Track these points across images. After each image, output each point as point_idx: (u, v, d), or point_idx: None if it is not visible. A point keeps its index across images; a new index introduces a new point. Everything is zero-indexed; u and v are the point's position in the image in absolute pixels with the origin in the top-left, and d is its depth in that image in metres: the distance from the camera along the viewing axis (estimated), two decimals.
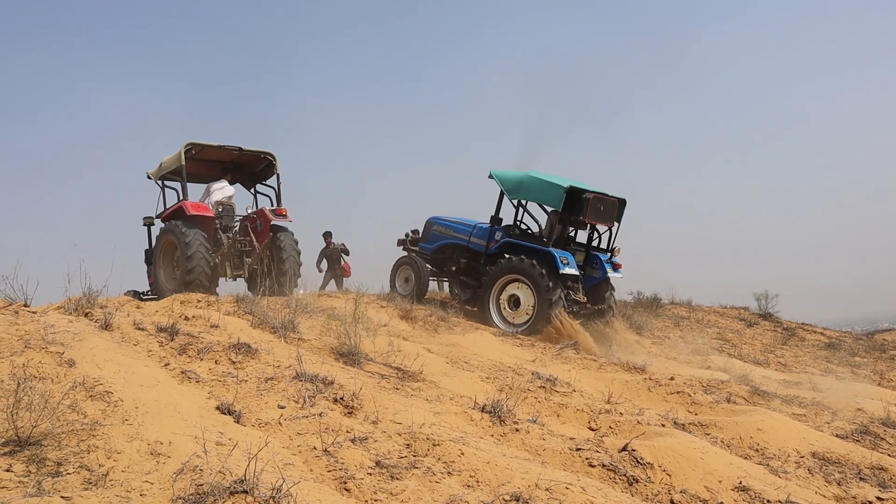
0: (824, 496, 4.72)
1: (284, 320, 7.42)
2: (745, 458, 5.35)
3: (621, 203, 11.91)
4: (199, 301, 8.69)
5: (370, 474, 4.02)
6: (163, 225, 10.86)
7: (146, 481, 3.63)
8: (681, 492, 4.33)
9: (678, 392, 7.19)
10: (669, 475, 4.53)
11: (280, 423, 4.64)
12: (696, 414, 6.70)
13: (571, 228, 12.31)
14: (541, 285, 10.77)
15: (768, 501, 4.24)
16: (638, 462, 4.62)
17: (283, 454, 4.18)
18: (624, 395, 7.01)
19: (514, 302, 11.29)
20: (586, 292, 11.87)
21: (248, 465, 3.43)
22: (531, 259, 11.02)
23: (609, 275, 11.76)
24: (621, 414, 6.24)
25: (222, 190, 11.52)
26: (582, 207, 11.27)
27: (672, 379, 7.60)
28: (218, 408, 4.81)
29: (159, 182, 11.47)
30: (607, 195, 11.63)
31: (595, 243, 12.29)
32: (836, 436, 6.26)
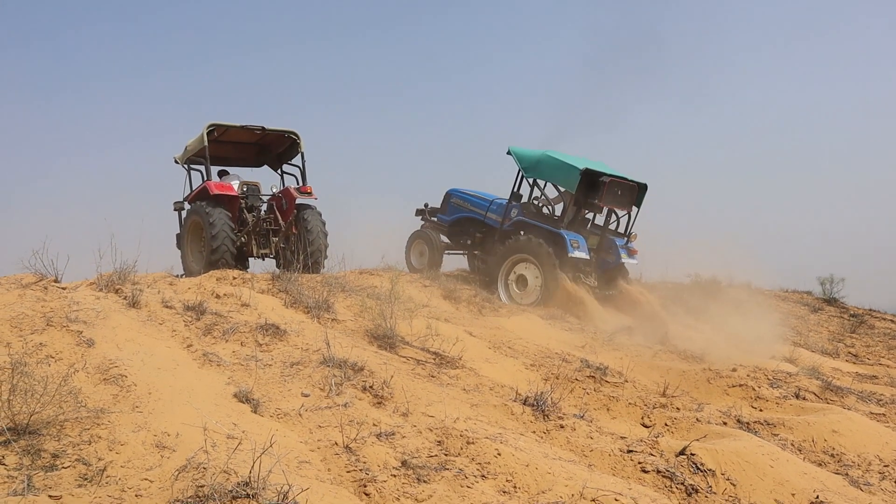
0: None
1: (319, 300, 7.06)
2: (820, 465, 4.76)
3: (641, 188, 11.51)
4: (234, 278, 8.41)
5: (394, 476, 3.60)
6: (189, 207, 10.84)
7: (145, 479, 3.28)
8: None
9: (741, 385, 6.58)
10: (734, 485, 4.00)
11: (300, 415, 4.26)
12: (761, 410, 6.10)
13: (588, 211, 11.89)
14: (548, 266, 10.54)
15: None
16: (698, 469, 4.09)
17: (300, 450, 3.79)
18: (681, 388, 6.45)
19: (523, 282, 11.03)
20: (599, 277, 11.50)
21: (254, 466, 3.05)
22: (539, 239, 10.77)
23: (623, 260, 11.39)
24: (678, 409, 5.70)
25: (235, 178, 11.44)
26: (598, 190, 10.90)
27: (734, 370, 6.99)
28: (236, 395, 4.46)
29: (185, 166, 11.43)
30: (626, 179, 11.22)
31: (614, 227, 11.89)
32: None
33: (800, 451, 4.98)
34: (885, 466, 4.80)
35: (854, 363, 9.95)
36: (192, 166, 11.50)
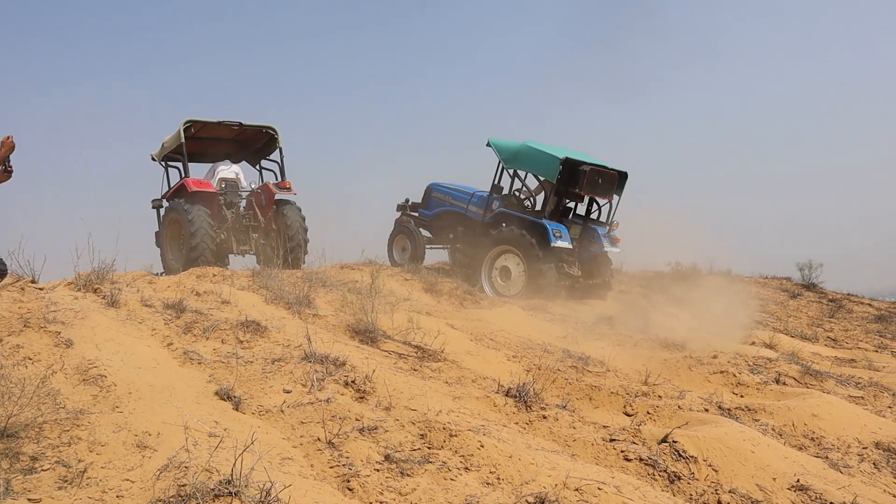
0: (894, 496, 4.18)
1: (300, 295, 7.02)
2: (800, 448, 4.82)
3: (621, 176, 11.60)
4: (214, 275, 8.36)
5: (377, 470, 3.60)
6: (167, 204, 10.77)
7: (127, 479, 3.25)
8: (729, 491, 3.83)
9: (722, 372, 6.65)
10: (716, 471, 4.03)
11: (282, 411, 4.24)
12: (742, 396, 6.16)
13: (569, 200, 11.94)
14: (531, 257, 10.57)
15: None
16: (680, 456, 4.13)
17: (283, 447, 3.77)
18: (663, 375, 6.49)
19: (506, 273, 11.07)
20: (582, 266, 11.57)
21: (236, 464, 3.03)
22: (521, 230, 10.81)
23: (606, 249, 11.47)
24: (660, 397, 5.74)
25: (227, 169, 11.34)
26: (579, 179, 10.93)
27: (715, 357, 7.06)
28: (217, 393, 4.43)
29: (162, 163, 11.34)
30: (606, 168, 11.30)
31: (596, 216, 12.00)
32: None
33: (780, 435, 5.04)
34: (863, 449, 4.87)
35: (833, 347, 10.08)
36: (170, 163, 11.41)
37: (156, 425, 3.77)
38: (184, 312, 6.07)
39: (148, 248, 11.30)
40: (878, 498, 4.01)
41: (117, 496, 3.09)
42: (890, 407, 6.26)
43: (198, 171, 11.49)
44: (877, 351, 9.91)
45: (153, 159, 11.38)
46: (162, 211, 11.16)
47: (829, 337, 10.95)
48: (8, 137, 4.91)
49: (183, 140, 10.35)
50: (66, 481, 3.24)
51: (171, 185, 11.12)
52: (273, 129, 11.26)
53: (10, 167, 4.96)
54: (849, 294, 16.84)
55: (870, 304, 15.55)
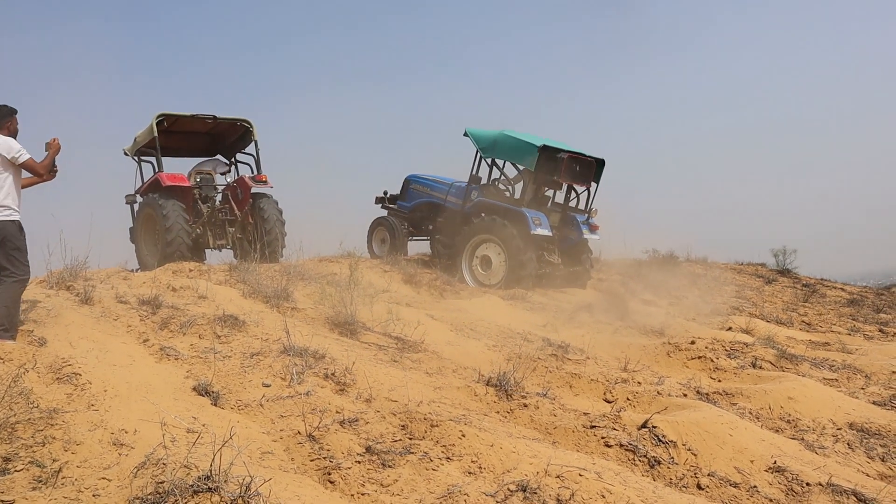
0: (868, 474, 4.25)
1: (278, 289, 6.97)
2: (777, 431, 4.88)
3: (599, 163, 11.63)
4: (191, 270, 8.27)
5: (359, 462, 3.58)
6: (141, 199, 10.60)
7: (103, 478, 3.20)
8: (709, 474, 3.87)
9: (700, 357, 6.71)
10: (695, 455, 4.07)
11: (262, 405, 4.20)
12: (719, 381, 6.23)
13: (548, 188, 11.96)
14: (511, 246, 10.58)
15: (808, 484, 3.77)
16: (660, 441, 4.16)
17: (262, 441, 3.74)
18: (642, 362, 6.54)
19: (486, 263, 11.07)
20: (561, 253, 11.61)
21: (214, 459, 2.99)
22: (502, 219, 10.82)
23: (585, 236, 11.53)
24: (639, 383, 5.78)
25: (203, 163, 11.25)
26: (557, 167, 10.95)
27: (692, 343, 7.12)
28: (195, 388, 4.38)
29: (135, 158, 11.16)
30: (584, 155, 11.32)
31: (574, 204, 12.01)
32: (873, 403, 5.77)
33: (757, 418, 5.10)
34: (838, 430, 4.94)
35: (807, 331, 10.22)
36: (143, 158, 11.24)
37: (132, 422, 3.72)
38: (160, 308, 5.99)
39: (122, 244, 11.14)
40: (853, 477, 4.07)
41: (94, 495, 3.04)
42: (863, 388, 6.36)
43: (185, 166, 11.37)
44: (849, 334, 10.07)
45: (126, 154, 11.21)
46: (136, 206, 11.00)
47: (803, 321, 11.10)
48: (54, 140, 5.07)
49: (156, 134, 10.19)
50: (41, 481, 3.18)
51: (145, 180, 10.97)
52: (248, 122, 11.13)
53: (56, 168, 5.15)
54: (822, 279, 17.11)
55: (842, 289, 15.81)
